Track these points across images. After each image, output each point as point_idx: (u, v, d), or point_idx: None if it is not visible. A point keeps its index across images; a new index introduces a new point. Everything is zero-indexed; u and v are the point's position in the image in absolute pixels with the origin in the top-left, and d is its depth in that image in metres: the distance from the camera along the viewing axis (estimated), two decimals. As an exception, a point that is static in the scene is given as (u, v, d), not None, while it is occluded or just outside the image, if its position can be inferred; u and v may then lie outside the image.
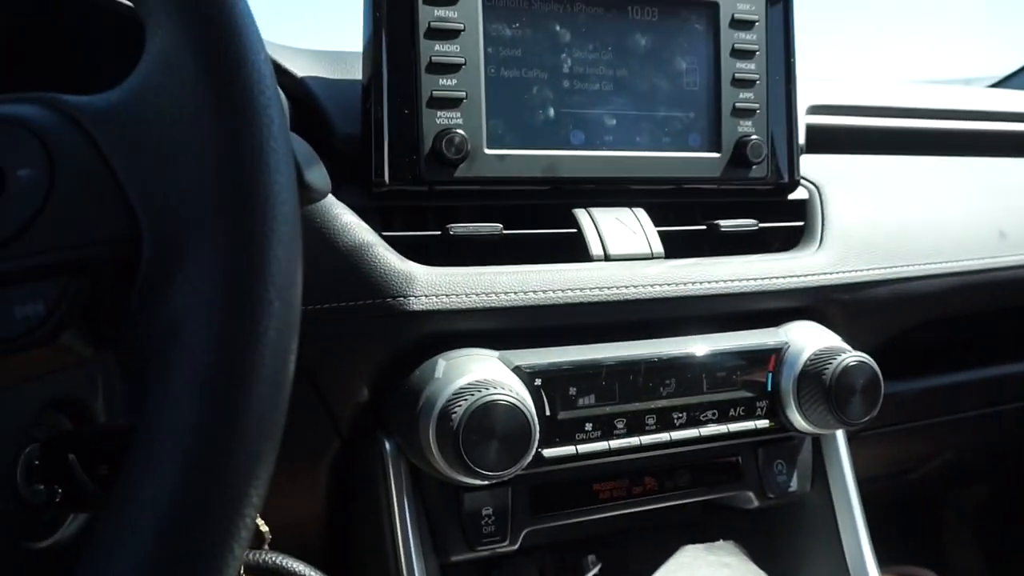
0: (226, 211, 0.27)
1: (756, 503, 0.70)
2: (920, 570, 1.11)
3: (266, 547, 0.47)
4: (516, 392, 0.54)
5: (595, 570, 0.74)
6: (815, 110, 0.86)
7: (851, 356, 0.64)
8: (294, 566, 0.46)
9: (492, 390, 0.53)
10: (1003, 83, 1.38)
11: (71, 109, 0.31)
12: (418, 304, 0.58)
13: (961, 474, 1.16)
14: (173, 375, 0.25)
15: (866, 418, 0.63)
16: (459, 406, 0.53)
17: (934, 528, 1.26)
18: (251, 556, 0.46)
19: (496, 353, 0.59)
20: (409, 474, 0.61)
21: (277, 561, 0.46)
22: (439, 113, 0.61)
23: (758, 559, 0.73)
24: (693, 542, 0.72)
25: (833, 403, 0.62)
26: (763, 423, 0.65)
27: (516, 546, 0.62)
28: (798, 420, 0.65)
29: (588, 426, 0.59)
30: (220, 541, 0.24)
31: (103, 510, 0.26)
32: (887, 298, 0.76)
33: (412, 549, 0.59)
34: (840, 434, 0.73)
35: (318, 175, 0.41)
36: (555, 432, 0.59)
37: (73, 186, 0.29)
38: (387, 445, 0.60)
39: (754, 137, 0.71)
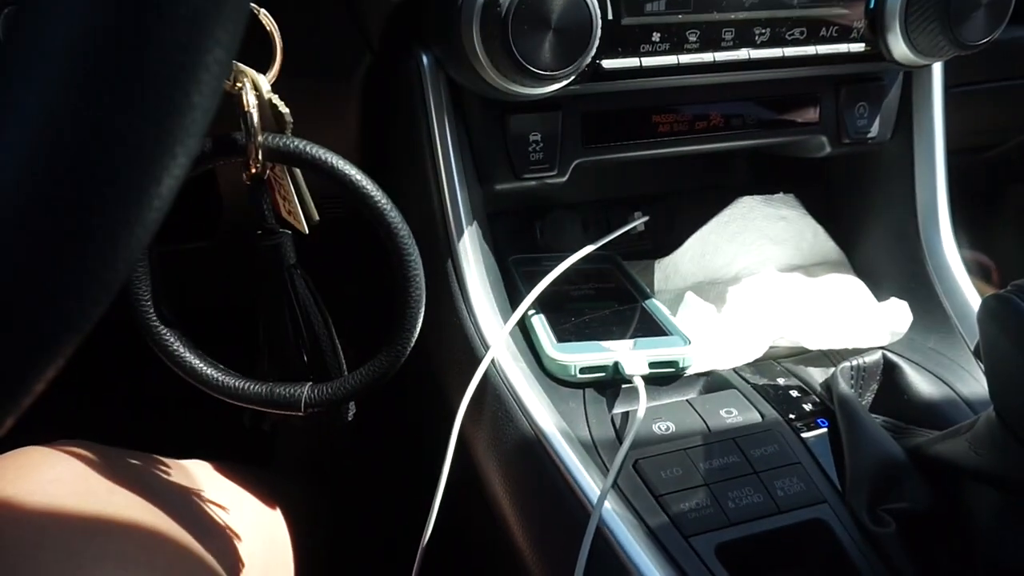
0: None
1: (828, 149, 0.63)
2: (982, 256, 1.07)
3: (288, 132, 0.43)
4: (575, -16, 0.45)
5: (639, 222, 0.71)
6: None
7: (978, -33, 0.53)
8: (317, 152, 0.41)
9: (547, -26, 0.44)
10: None
11: None
12: None
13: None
14: None
15: (985, 40, 0.53)
16: (508, -9, 0.44)
17: (988, 218, 1.21)
18: (271, 139, 0.41)
19: (551, -54, 0.49)
20: (449, 94, 0.54)
21: (298, 145, 0.41)
22: None
23: (816, 214, 0.69)
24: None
25: (948, 20, 0.52)
26: (857, 47, 0.56)
27: (565, 177, 0.57)
28: (899, 46, 0.55)
29: (655, 36, 0.51)
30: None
31: None
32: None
33: (455, 176, 0.55)
34: (938, 73, 0.64)
35: None
36: (617, 40, 0.50)
37: None
38: (424, 59, 0.53)
39: None
